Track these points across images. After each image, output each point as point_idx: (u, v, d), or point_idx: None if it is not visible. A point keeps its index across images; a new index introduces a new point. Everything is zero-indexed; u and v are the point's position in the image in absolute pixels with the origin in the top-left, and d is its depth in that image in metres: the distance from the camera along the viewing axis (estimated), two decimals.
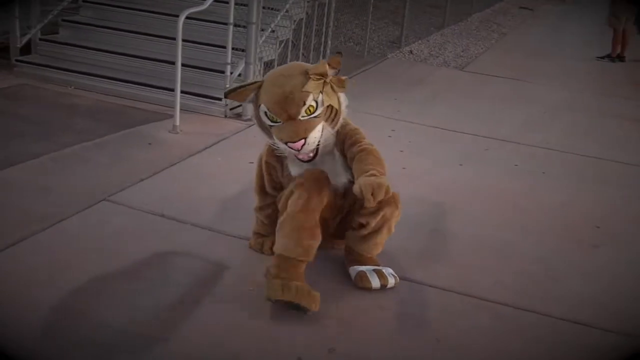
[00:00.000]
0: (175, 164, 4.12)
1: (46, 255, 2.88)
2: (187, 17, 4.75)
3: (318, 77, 2.60)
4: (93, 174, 3.83)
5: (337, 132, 2.77)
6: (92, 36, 6.04)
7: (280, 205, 2.80)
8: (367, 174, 2.56)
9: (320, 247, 2.71)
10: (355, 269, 2.86)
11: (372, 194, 2.47)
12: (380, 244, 2.89)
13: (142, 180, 3.79)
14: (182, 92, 4.80)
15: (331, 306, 2.68)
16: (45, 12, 6.04)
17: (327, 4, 6.96)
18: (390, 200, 2.71)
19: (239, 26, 5.23)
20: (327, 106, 2.64)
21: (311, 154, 2.71)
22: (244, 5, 5.16)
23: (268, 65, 5.65)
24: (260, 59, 5.44)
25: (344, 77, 2.71)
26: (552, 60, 9.67)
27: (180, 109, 4.77)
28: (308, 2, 6.48)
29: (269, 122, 2.68)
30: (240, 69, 5.26)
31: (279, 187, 2.91)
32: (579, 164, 4.93)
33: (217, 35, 5.55)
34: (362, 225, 2.81)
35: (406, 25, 9.44)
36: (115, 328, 2.42)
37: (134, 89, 5.46)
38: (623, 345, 2.65)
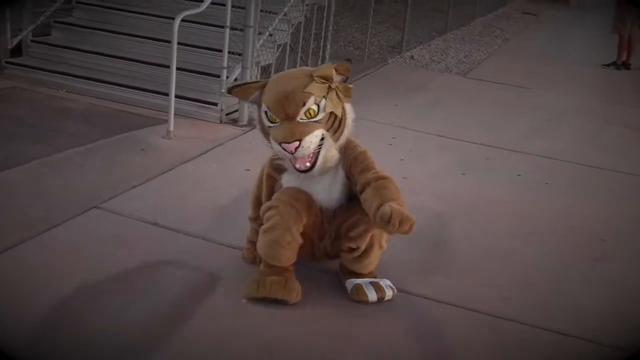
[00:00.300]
0: (169, 170, 4.11)
1: (32, 264, 2.86)
2: (182, 20, 4.75)
3: (322, 80, 2.58)
4: (85, 180, 3.82)
5: (345, 150, 2.73)
6: (86, 38, 6.04)
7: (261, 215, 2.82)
8: (395, 202, 2.52)
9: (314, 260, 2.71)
10: (351, 282, 2.84)
11: (399, 222, 2.44)
12: (374, 261, 2.86)
13: (134, 186, 3.79)
14: (176, 96, 4.80)
15: (327, 321, 2.67)
16: (38, 13, 6.05)
17: (326, 7, 6.97)
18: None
19: (235, 29, 5.23)
20: (330, 113, 2.61)
21: (308, 164, 2.65)
22: (241, 8, 5.17)
23: (265, 70, 5.65)
24: (258, 63, 5.44)
25: (350, 85, 2.68)
26: (556, 67, 9.69)
27: (175, 114, 4.76)
28: (307, 5, 6.49)
29: (268, 123, 2.66)
30: (236, 73, 5.26)
31: None
32: (584, 174, 4.93)
33: (213, 39, 5.55)
34: (353, 249, 2.79)
35: (407, 30, 9.46)
36: (104, 339, 2.40)
37: (128, 93, 5.46)
38: None
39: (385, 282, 2.86)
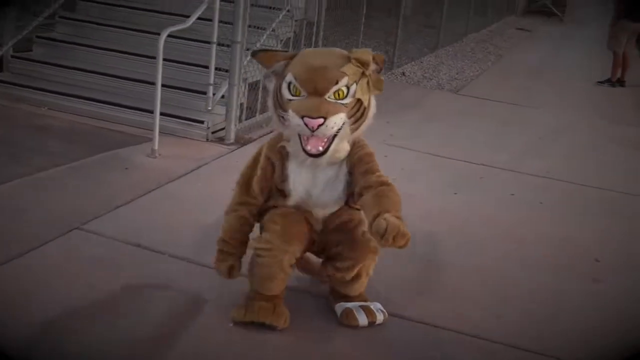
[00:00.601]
0: (153, 190, 4.11)
1: (10, 288, 2.83)
2: (168, 35, 4.77)
3: (358, 64, 2.55)
4: (66, 200, 3.80)
5: (353, 147, 2.67)
6: (68, 54, 6.06)
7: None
8: (393, 213, 2.43)
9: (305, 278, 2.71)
10: (341, 306, 2.84)
11: (393, 237, 2.35)
12: (361, 287, 2.85)
13: (117, 207, 3.78)
14: (161, 113, 4.80)
15: (316, 346, 2.67)
16: (19, 27, 6.04)
17: (315, 23, 7.01)
18: (370, 252, 2.70)
19: (222, 45, 5.25)
20: (357, 100, 2.56)
21: (321, 147, 2.55)
22: (229, 23, 5.19)
23: (253, 87, 5.67)
24: (245, 79, 5.45)
25: (382, 78, 2.66)
26: (550, 84, 9.79)
27: (160, 132, 4.76)
28: (296, 21, 6.52)
29: (289, 96, 2.55)
30: (223, 90, 5.28)
31: (266, 190, 2.75)
32: (578, 194, 4.96)
33: (199, 55, 5.58)
34: (339, 277, 2.79)
35: (399, 46, 9.54)
36: None
37: (111, 110, 5.46)
38: None
39: (376, 306, 2.85)
